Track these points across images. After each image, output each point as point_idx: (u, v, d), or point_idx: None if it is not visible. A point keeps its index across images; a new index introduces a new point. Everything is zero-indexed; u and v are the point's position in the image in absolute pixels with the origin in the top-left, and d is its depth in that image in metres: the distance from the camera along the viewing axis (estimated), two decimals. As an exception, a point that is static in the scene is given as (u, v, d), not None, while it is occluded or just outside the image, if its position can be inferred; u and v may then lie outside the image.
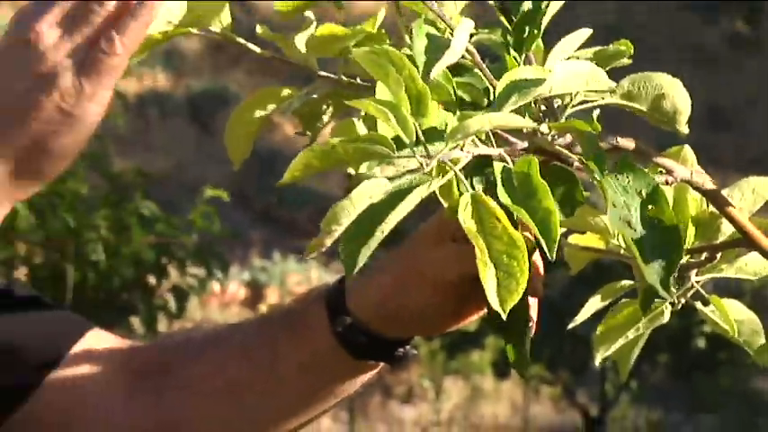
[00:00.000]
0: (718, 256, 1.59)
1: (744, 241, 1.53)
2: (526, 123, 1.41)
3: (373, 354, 1.98)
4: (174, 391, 2.09)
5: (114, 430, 2.08)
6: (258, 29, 1.56)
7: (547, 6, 1.50)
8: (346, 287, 1.98)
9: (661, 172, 1.47)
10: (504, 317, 1.42)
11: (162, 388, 2.09)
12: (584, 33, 1.50)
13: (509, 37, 1.49)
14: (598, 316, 1.67)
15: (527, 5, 1.49)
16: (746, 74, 20.08)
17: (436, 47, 1.40)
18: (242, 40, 1.56)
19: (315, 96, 1.59)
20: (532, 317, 1.77)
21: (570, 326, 1.72)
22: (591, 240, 1.61)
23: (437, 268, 1.87)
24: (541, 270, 1.79)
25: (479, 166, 1.42)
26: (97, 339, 2.14)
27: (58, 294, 9.09)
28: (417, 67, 1.38)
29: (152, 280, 9.63)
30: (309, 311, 2.02)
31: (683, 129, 1.48)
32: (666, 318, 1.60)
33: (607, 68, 1.48)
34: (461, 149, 1.38)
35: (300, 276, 16.57)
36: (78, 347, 2.10)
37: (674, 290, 1.45)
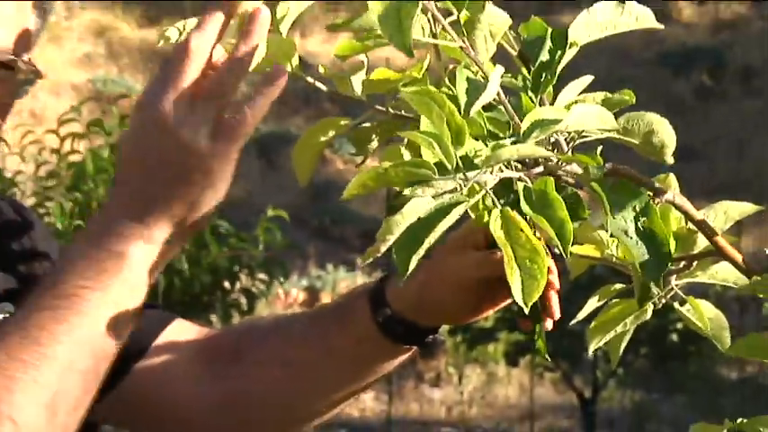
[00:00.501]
0: (694, 264, 1.58)
1: (715, 253, 1.53)
2: (546, 153, 1.41)
3: (408, 339, 1.99)
4: (243, 377, 2.09)
5: (193, 407, 2.08)
6: (321, 68, 1.56)
7: (561, 57, 1.50)
8: (386, 285, 1.99)
9: (649, 195, 1.46)
10: (526, 311, 1.43)
11: (232, 374, 2.09)
12: (587, 80, 1.51)
13: (528, 81, 1.48)
14: (588, 320, 1.66)
15: (544, 57, 1.49)
16: (721, 112, 20.09)
17: (474, 88, 1.40)
18: (309, 78, 1.56)
19: (366, 125, 1.58)
20: (555, 309, 1.84)
21: (572, 322, 1.72)
22: (588, 250, 1.60)
23: (460, 272, 1.88)
24: (554, 268, 1.80)
25: (504, 188, 1.42)
26: (180, 329, 2.16)
27: (151, 297, 9.10)
28: (459, 106, 1.39)
29: (227, 284, 9.64)
30: (356, 306, 2.03)
31: (669, 160, 1.49)
32: (649, 315, 1.60)
33: (613, 112, 1.48)
34: (491, 173, 1.38)
35: (349, 283, 16.52)
36: (162, 338, 2.12)
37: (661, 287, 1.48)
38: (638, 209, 1.43)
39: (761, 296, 1.49)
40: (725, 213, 1.57)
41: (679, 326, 10.34)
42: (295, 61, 1.55)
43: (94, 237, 1.68)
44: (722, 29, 23.99)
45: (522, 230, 1.40)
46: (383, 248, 1.37)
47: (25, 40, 1.87)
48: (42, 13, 1.89)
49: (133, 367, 2.08)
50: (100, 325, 1.67)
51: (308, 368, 2.06)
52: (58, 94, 19.25)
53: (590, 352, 1.64)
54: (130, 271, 1.70)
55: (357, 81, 1.57)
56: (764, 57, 22.87)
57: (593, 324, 1.63)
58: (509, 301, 1.88)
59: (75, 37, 21.66)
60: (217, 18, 1.64)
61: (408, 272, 1.39)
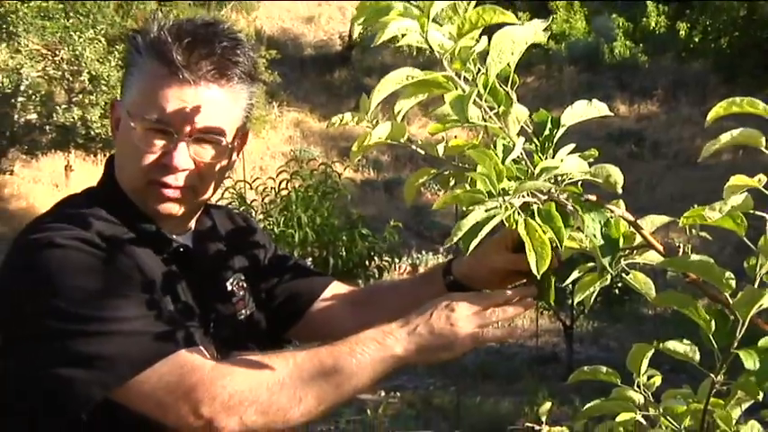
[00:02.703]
0: (635, 252, 1.52)
1: (646, 245, 1.48)
2: (549, 186, 1.39)
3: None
4: (370, 315, 1.98)
5: (342, 330, 2.00)
6: (419, 141, 1.52)
7: (556, 133, 1.47)
8: (452, 264, 1.96)
9: (609, 210, 1.42)
10: (538, 277, 1.44)
11: (364, 313, 2.04)
12: (570, 146, 1.47)
13: (537, 147, 1.46)
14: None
15: (547, 132, 1.46)
16: (643, 168, 19.97)
17: (507, 150, 1.38)
18: (414, 146, 1.52)
19: (446, 172, 1.55)
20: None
21: (564, 284, 1.66)
22: (572, 243, 1.54)
23: (497, 263, 1.84)
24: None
25: (524, 208, 1.40)
26: (336, 287, 2.11)
27: (323, 269, 9.13)
28: (499, 157, 1.37)
29: (367, 263, 9.60)
30: (434, 276, 1.99)
31: (619, 191, 1.44)
32: (608, 281, 1.54)
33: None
34: (517, 198, 1.36)
35: (433, 261, 16.48)
36: (326, 292, 2.08)
37: (614, 267, 1.44)
38: (602, 222, 1.41)
39: (669, 269, 1.45)
40: (651, 222, 1.52)
41: (620, 285, 10.20)
42: (405, 137, 1.50)
43: (379, 331, 1.69)
44: (642, 119, 23.76)
45: (536, 231, 1.38)
46: (455, 239, 1.35)
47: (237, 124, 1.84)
48: (250, 108, 1.85)
49: (308, 310, 2.06)
50: (352, 372, 1.65)
51: (406, 311, 2.03)
52: (274, 158, 19.44)
53: (575, 302, 1.58)
54: (383, 358, 1.66)
55: (440, 147, 1.54)
56: (666, 137, 22.69)
57: (576, 286, 1.56)
58: (519, 281, 1.88)
59: (284, 126, 21.88)
60: (510, 312, 1.70)
61: (468, 251, 1.37)
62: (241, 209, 9.11)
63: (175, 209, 1.80)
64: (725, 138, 1.32)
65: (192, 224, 1.92)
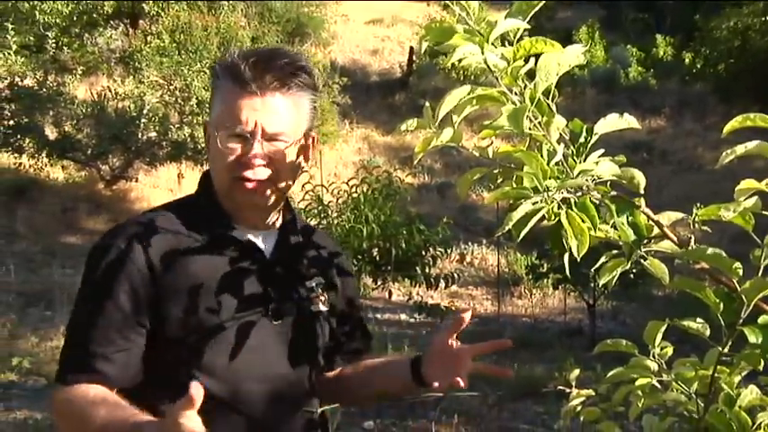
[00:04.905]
0: (652, 241, 1.48)
1: (662, 236, 1.44)
2: (586, 183, 1.35)
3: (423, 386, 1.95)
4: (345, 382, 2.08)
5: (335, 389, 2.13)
6: (473, 146, 1.48)
7: (590, 140, 1.43)
8: (419, 360, 1.94)
9: (634, 206, 1.39)
10: (578, 258, 1.37)
11: (343, 377, 2.08)
12: (600, 151, 1.43)
13: (573, 152, 1.42)
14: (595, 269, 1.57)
15: (582, 140, 1.43)
16: (653, 172, 19.63)
17: (551, 154, 1.35)
18: (469, 149, 1.48)
19: (495, 171, 1.50)
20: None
21: (591, 269, 1.61)
22: (598, 233, 1.49)
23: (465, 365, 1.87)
24: None
25: (564, 202, 1.36)
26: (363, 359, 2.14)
27: (388, 260, 9.14)
28: (544, 159, 1.34)
29: (423, 253, 9.56)
30: (403, 366, 1.95)
31: (641, 191, 1.40)
32: (628, 266, 1.49)
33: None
34: (558, 194, 1.33)
35: (478, 251, 16.25)
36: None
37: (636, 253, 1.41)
38: (628, 212, 1.39)
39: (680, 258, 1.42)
40: (667, 218, 1.48)
41: (634, 270, 10.01)
42: (461, 141, 1.47)
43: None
44: (652, 132, 23.40)
45: (576, 220, 1.34)
46: (506, 228, 1.31)
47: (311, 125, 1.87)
48: (315, 110, 1.87)
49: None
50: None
51: (379, 391, 2.08)
52: (346, 167, 19.46)
53: (600, 283, 1.53)
54: None
55: (490, 150, 1.49)
56: (673, 147, 22.35)
57: (602, 270, 1.51)
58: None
59: (354, 140, 21.91)
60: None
61: (521, 236, 1.33)
62: (319, 208, 9.13)
63: (256, 198, 1.81)
64: (740, 149, 1.31)
65: (278, 223, 1.91)
